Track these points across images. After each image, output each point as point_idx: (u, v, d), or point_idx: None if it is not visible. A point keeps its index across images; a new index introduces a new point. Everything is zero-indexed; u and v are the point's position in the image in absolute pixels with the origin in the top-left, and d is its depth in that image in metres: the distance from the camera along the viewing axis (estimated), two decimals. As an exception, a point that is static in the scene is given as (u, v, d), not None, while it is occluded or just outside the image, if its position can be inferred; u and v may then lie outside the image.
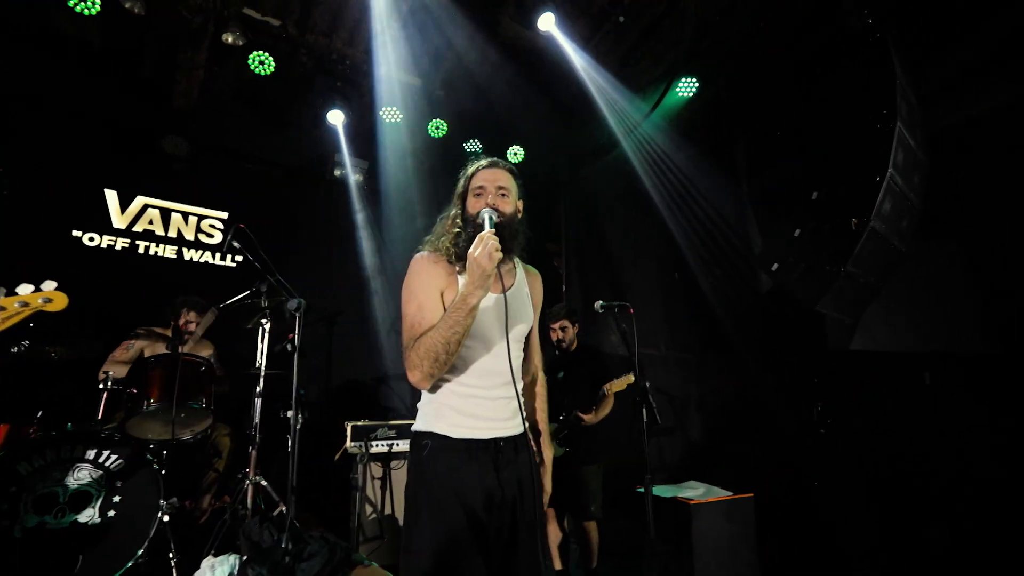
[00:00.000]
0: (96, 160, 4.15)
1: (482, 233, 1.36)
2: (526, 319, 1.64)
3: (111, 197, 4.23)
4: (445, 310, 1.42)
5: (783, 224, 3.63)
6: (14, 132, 3.68)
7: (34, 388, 2.98)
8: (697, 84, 4.64)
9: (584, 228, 6.10)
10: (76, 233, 4.05)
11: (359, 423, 4.20)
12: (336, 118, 4.59)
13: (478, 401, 1.50)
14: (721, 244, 4.43)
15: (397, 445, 4.32)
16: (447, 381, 1.51)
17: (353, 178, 5.10)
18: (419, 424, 1.56)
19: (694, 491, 3.72)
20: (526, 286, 1.70)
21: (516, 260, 1.70)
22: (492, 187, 1.57)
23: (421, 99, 5.07)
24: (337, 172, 5.07)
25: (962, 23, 3.45)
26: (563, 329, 3.48)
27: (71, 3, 3.49)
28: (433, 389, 1.52)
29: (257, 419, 3.10)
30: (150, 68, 4.20)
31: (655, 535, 3.61)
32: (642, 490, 3.83)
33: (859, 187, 3.03)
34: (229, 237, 3.18)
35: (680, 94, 4.71)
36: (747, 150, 4.46)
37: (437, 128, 5.13)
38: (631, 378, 2.96)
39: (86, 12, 3.56)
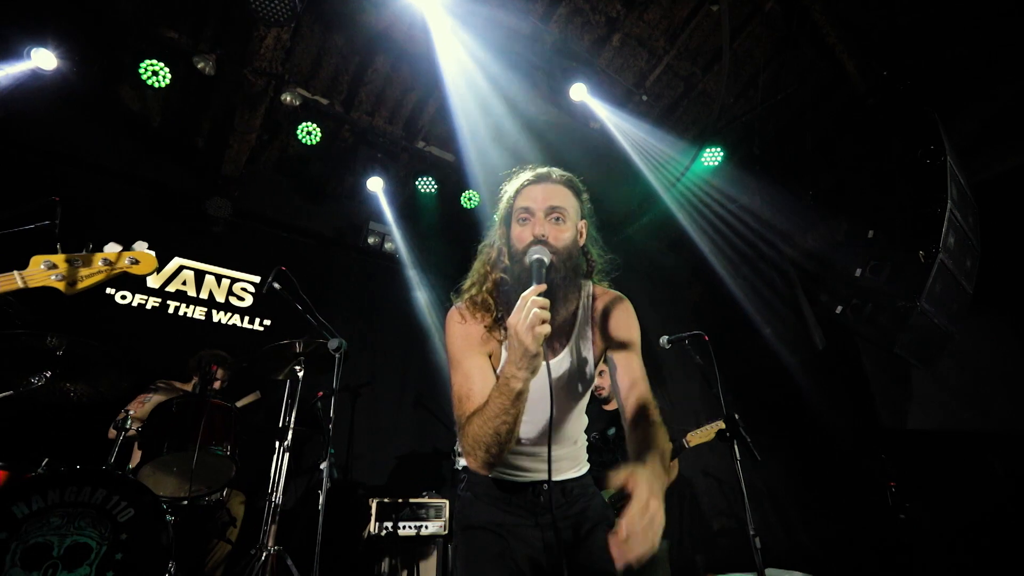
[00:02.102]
0: (140, 221, 4.23)
1: (525, 294, 1.02)
2: (584, 380, 1.33)
3: (149, 257, 4.22)
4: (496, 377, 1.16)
5: (838, 272, 3.53)
6: (62, 188, 3.79)
7: (42, 430, 2.69)
8: (723, 153, 4.81)
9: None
10: (109, 291, 3.98)
11: (385, 500, 3.77)
12: (376, 185, 4.74)
13: (519, 457, 1.32)
14: (771, 304, 4.27)
15: (426, 528, 3.84)
16: None
17: (387, 245, 5.14)
18: (462, 461, 1.42)
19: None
20: (590, 331, 1.34)
21: (583, 291, 1.37)
22: (542, 209, 1.23)
23: (455, 172, 5.28)
24: (371, 240, 5.12)
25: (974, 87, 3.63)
26: (601, 375, 3.15)
27: (143, 75, 3.77)
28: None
29: (283, 477, 2.74)
30: (204, 139, 4.45)
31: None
32: (717, 576, 3.32)
33: (918, 221, 2.96)
34: (270, 279, 3.09)
35: (706, 163, 4.88)
36: (784, 213, 4.49)
37: (470, 199, 5.27)
38: (720, 424, 2.51)
39: (156, 85, 3.83)
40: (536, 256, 1.12)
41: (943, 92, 3.64)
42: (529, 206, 1.24)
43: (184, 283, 4.33)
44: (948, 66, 3.64)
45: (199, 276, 4.42)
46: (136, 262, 1.41)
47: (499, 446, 1.09)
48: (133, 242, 4.23)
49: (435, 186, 5.10)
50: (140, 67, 3.70)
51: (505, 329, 1.22)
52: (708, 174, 4.83)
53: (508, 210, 1.31)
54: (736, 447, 2.18)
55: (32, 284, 1.31)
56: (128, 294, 4.05)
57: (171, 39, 3.70)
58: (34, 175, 3.78)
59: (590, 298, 1.36)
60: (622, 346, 1.32)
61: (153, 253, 1.44)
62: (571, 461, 1.36)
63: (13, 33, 3.19)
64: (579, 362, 1.30)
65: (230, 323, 4.44)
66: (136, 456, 2.72)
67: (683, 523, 4.56)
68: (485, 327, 1.27)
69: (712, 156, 4.84)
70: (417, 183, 5.06)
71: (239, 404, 3.08)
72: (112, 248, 1.41)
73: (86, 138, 4.07)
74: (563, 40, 4.23)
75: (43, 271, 1.31)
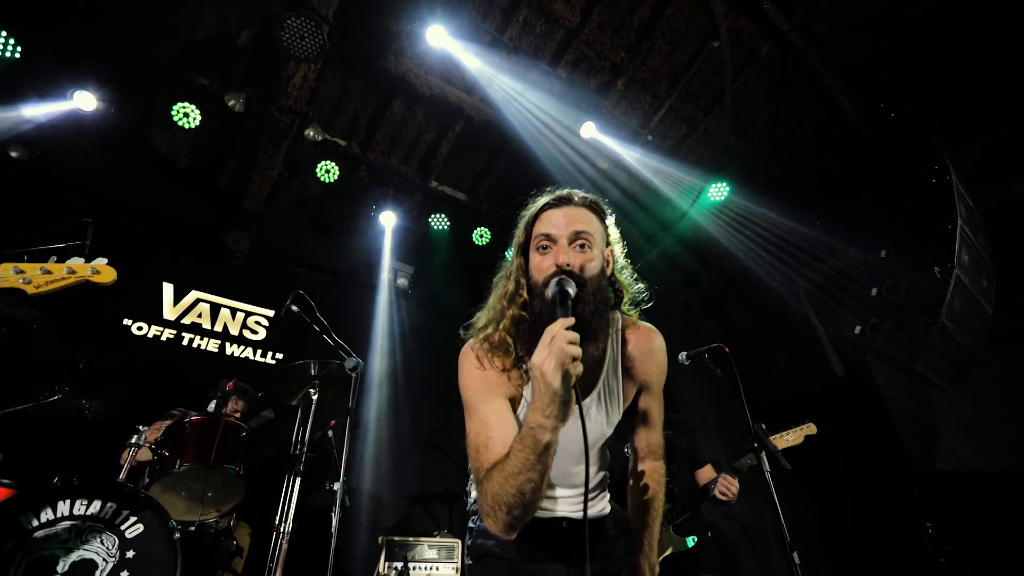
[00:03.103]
0: (162, 254, 4.33)
1: (551, 327, 0.90)
2: (610, 422, 1.22)
3: (167, 290, 4.30)
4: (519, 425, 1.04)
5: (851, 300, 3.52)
6: (94, 213, 3.92)
7: (55, 449, 2.64)
8: (729, 188, 4.93)
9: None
10: (126, 322, 4.02)
11: (395, 538, 3.61)
12: (388, 219, 4.86)
13: (544, 499, 1.20)
14: (786, 332, 4.23)
15: (438, 569, 3.65)
16: None
17: (399, 282, 5.20)
18: (474, 518, 1.25)
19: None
20: (619, 367, 1.23)
21: (613, 325, 1.24)
22: (565, 236, 1.10)
23: (467, 210, 5.42)
24: (384, 276, 5.19)
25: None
26: None
27: (175, 117, 4.00)
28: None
29: (294, 501, 2.64)
30: (227, 178, 4.63)
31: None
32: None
33: (931, 238, 2.99)
34: (288, 302, 3.11)
35: (712, 199, 4.99)
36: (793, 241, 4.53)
37: (481, 236, 5.37)
38: (810, 428, 2.35)
39: (187, 126, 4.05)
40: (559, 287, 0.99)
41: (942, 124, 3.78)
42: (551, 232, 1.11)
43: (200, 315, 4.37)
44: (943, 100, 3.79)
45: (214, 309, 4.46)
46: (97, 272, 1.52)
47: (523, 507, 0.95)
48: (156, 275, 4.33)
49: (447, 223, 5.22)
50: (173, 109, 3.93)
51: (527, 372, 1.09)
52: (716, 207, 4.93)
53: (526, 237, 1.17)
54: (764, 460, 2.10)
55: (2, 285, 1.42)
56: (144, 325, 4.08)
57: (203, 85, 3.95)
58: (67, 208, 3.91)
59: (619, 332, 1.23)
60: (649, 389, 1.26)
61: (112, 268, 1.55)
62: (593, 499, 1.24)
63: (59, 75, 3.41)
64: (608, 406, 1.19)
65: (243, 356, 4.43)
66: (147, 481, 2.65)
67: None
68: (503, 370, 1.13)
69: (718, 191, 4.96)
70: (430, 220, 5.19)
71: (253, 423, 3.03)
72: (75, 260, 1.53)
73: (117, 177, 4.25)
74: (570, 84, 4.46)
75: (11, 275, 1.43)
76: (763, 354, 4.35)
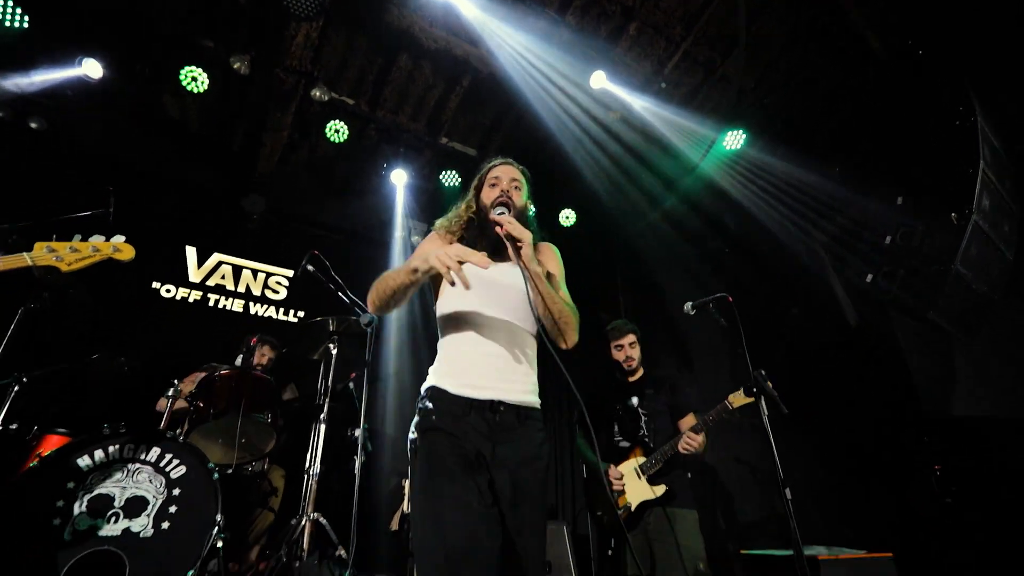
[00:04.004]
0: (181, 219, 4.47)
1: (453, 247, 1.35)
2: (522, 296, 1.56)
3: (191, 253, 4.47)
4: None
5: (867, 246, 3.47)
6: (115, 182, 4.06)
7: (100, 402, 2.88)
8: (745, 136, 4.79)
9: (642, 289, 5.98)
10: (155, 285, 4.22)
11: (416, 481, 3.86)
12: (399, 178, 4.89)
13: (472, 363, 1.51)
14: (800, 282, 4.21)
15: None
16: (451, 347, 1.58)
17: (413, 239, 5.28)
18: (426, 383, 1.57)
19: (813, 551, 3.12)
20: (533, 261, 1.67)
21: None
22: (506, 179, 1.72)
23: (476, 167, 5.40)
24: (397, 234, 5.27)
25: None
26: (631, 345, 3.09)
27: (183, 82, 4.02)
28: (440, 356, 1.60)
29: (320, 448, 2.85)
30: (238, 141, 4.68)
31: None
32: (750, 552, 3.28)
33: (950, 184, 2.91)
34: (304, 262, 3.23)
35: (728, 147, 4.87)
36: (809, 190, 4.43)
37: (492, 191, 5.36)
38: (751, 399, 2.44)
39: (195, 90, 4.08)
40: (499, 210, 1.53)
41: (973, 67, 3.57)
42: (499, 175, 1.73)
43: (223, 277, 4.54)
44: (976, 44, 3.56)
45: (236, 270, 4.63)
46: (119, 250, 1.67)
47: (381, 299, 1.51)
48: (179, 238, 4.49)
49: (458, 179, 5.22)
50: (181, 74, 3.95)
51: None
52: (730, 157, 4.82)
53: (480, 181, 1.78)
54: (763, 404, 2.18)
55: (38, 263, 1.57)
56: (172, 287, 4.28)
57: (207, 48, 3.94)
58: (88, 176, 4.04)
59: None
60: (549, 276, 1.65)
61: (131, 246, 1.70)
62: (521, 384, 1.51)
63: (67, 43, 3.45)
64: (523, 278, 1.52)
65: (266, 315, 4.63)
66: (186, 425, 2.89)
67: (716, 509, 4.50)
68: (448, 243, 1.64)
69: (734, 139, 4.83)
70: (441, 177, 5.20)
71: (287, 396, 3.22)
72: (97, 239, 1.66)
73: (132, 145, 4.34)
74: (579, 32, 4.31)
75: (45, 253, 1.57)
76: (776, 305, 4.35)
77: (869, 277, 3.15)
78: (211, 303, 4.41)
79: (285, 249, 4.90)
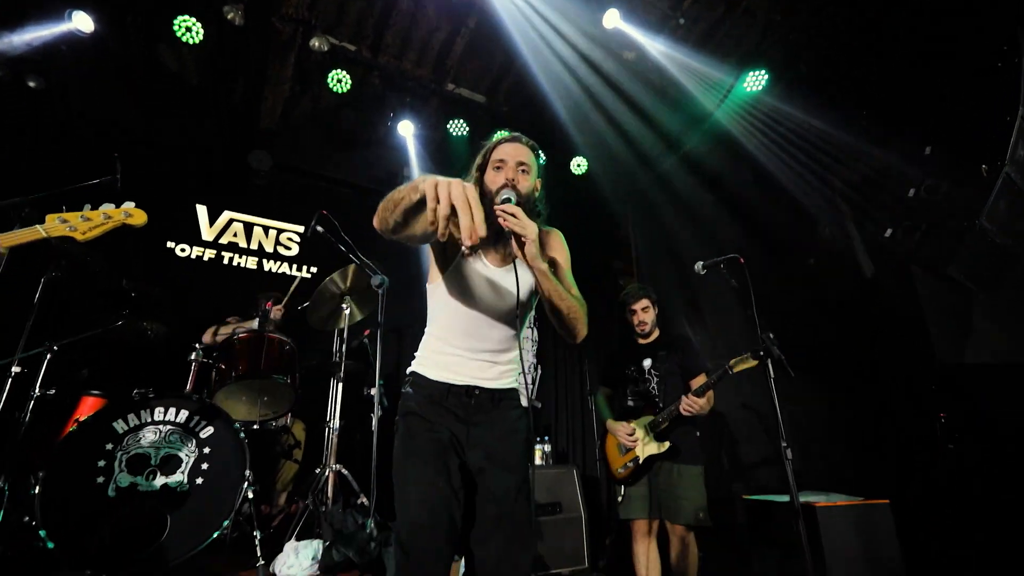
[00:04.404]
0: (189, 178, 4.45)
1: (467, 190, 1.18)
2: (519, 294, 1.50)
3: (201, 212, 4.49)
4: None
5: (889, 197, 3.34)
6: (121, 146, 4.03)
7: (129, 364, 3.03)
8: (768, 76, 4.52)
9: (655, 238, 5.90)
10: (170, 244, 4.27)
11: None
12: (406, 129, 4.76)
13: (459, 360, 1.51)
14: (816, 232, 4.10)
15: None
16: (437, 339, 1.56)
17: (421, 192, 5.21)
18: (411, 366, 1.60)
19: (813, 498, 3.25)
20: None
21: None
22: (513, 162, 1.52)
23: (486, 114, 5.22)
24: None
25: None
26: (644, 310, 3.12)
27: (177, 32, 3.87)
28: (425, 343, 1.60)
29: (339, 404, 2.98)
30: (239, 95, 4.55)
31: (764, 540, 3.15)
32: (753, 497, 3.43)
33: (983, 132, 2.74)
34: (313, 223, 3.23)
35: (749, 88, 4.61)
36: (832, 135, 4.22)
37: (501, 140, 5.21)
38: (759, 353, 2.46)
39: (191, 41, 3.93)
40: (504, 196, 1.40)
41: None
42: (504, 158, 1.53)
43: (235, 235, 4.58)
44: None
45: (248, 228, 4.66)
46: (130, 215, 1.67)
47: (387, 209, 1.33)
48: (189, 197, 4.50)
49: (467, 128, 5.07)
50: (174, 24, 3.80)
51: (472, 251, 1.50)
52: (751, 100, 4.58)
53: (485, 160, 1.59)
54: (770, 366, 2.21)
55: (52, 234, 1.56)
56: (186, 247, 4.34)
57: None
58: (84, 141, 4.00)
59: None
60: (555, 264, 1.58)
61: (142, 211, 1.67)
62: (501, 370, 1.54)
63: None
64: (519, 279, 1.47)
65: (280, 271, 4.70)
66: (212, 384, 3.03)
67: (722, 453, 4.66)
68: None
69: (756, 80, 4.56)
70: (448, 127, 5.04)
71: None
72: (108, 206, 1.65)
73: (134, 102, 4.25)
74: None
75: (58, 224, 1.56)
76: (791, 256, 4.28)
77: (888, 232, 3.06)
78: (225, 261, 4.47)
79: (294, 204, 4.89)
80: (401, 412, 1.49)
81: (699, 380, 2.92)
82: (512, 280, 1.46)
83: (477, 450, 1.42)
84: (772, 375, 2.20)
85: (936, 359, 4.11)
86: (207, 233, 4.47)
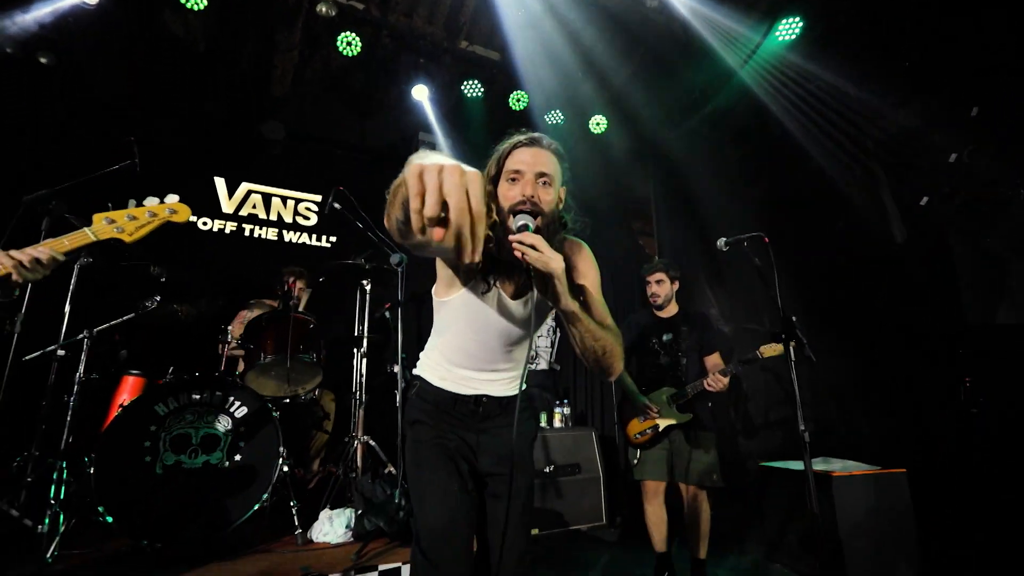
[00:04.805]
0: (205, 150, 4.44)
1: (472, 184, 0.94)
2: (539, 319, 1.41)
3: (220, 184, 4.51)
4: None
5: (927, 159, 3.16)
6: (124, 126, 4.04)
7: (164, 345, 3.18)
8: (802, 24, 4.20)
9: (676, 199, 5.74)
10: (192, 218, 4.32)
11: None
12: (421, 93, 4.63)
13: (466, 375, 1.45)
14: (847, 194, 3.93)
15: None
16: (443, 355, 1.48)
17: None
18: (417, 368, 1.56)
19: (828, 466, 3.31)
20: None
21: (556, 243, 1.42)
22: (531, 173, 1.28)
23: (501, 72, 5.01)
24: (421, 151, 5.11)
25: None
26: (658, 283, 3.16)
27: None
28: (431, 354, 1.52)
29: (363, 379, 3.09)
30: (248, 61, 4.45)
31: (779, 506, 3.25)
32: (768, 464, 3.51)
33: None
34: (330, 199, 3.23)
35: (781, 38, 4.30)
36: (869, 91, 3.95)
37: (518, 100, 5.04)
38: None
39: (195, 7, 3.83)
40: (522, 222, 1.19)
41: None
42: (521, 169, 1.29)
43: (254, 206, 4.61)
44: None
45: (266, 199, 4.68)
46: (175, 211, 1.62)
47: (390, 205, 1.03)
48: (207, 170, 4.51)
49: (481, 89, 4.90)
50: (176, -13, 3.68)
51: (485, 282, 1.36)
52: (783, 50, 4.28)
53: (498, 169, 1.35)
54: (791, 350, 2.20)
55: (100, 237, 1.52)
56: (208, 220, 4.40)
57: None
58: (99, 117, 3.99)
59: (560, 245, 1.41)
60: (581, 284, 1.41)
61: (186, 205, 1.64)
62: (511, 382, 1.48)
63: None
64: (539, 307, 1.35)
65: (300, 241, 4.75)
66: (241, 364, 3.16)
67: (737, 417, 4.72)
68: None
69: (788, 28, 4.25)
70: (463, 87, 4.88)
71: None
72: (151, 201, 1.62)
73: (143, 73, 4.19)
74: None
75: (106, 225, 1.52)
76: (819, 218, 4.14)
77: (924, 200, 2.91)
78: (246, 233, 4.53)
79: (311, 173, 4.88)
80: (408, 420, 1.46)
81: (714, 358, 3.01)
82: (530, 314, 1.34)
83: (487, 456, 1.41)
84: (793, 359, 2.19)
85: (966, 320, 4.01)
86: (227, 206, 4.51)
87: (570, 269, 1.35)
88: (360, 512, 2.58)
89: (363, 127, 5.14)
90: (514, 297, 1.38)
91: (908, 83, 3.18)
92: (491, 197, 1.33)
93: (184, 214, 1.65)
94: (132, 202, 1.62)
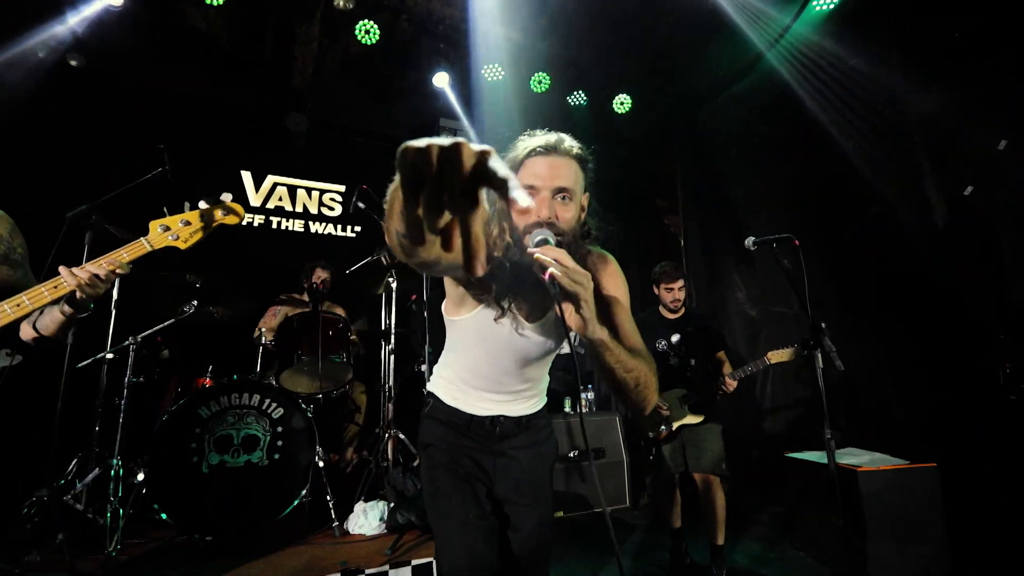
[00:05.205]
0: (231, 145, 4.50)
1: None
2: (558, 342, 1.32)
3: (246, 178, 4.59)
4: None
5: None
6: (164, 123, 4.11)
7: (202, 345, 3.33)
8: (837, -3, 3.94)
9: (702, 178, 5.58)
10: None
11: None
12: (442, 80, 4.56)
13: (481, 396, 1.36)
14: (880, 177, 3.76)
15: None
16: (457, 374, 1.38)
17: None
18: (430, 384, 1.48)
19: (856, 458, 3.29)
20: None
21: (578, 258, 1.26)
22: (548, 190, 1.12)
23: (522, 54, 4.88)
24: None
25: None
26: (680, 289, 3.18)
27: (200, -7, 3.75)
28: (443, 372, 1.43)
29: (392, 374, 3.18)
30: (269, 52, 4.44)
31: (805, 497, 3.28)
32: (791, 455, 3.51)
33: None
34: (354, 199, 3.26)
35: (818, 7, 4.05)
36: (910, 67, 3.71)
37: (540, 83, 4.92)
38: (798, 349, 2.71)
39: (214, 3, 3.82)
40: (540, 237, 1.04)
41: None
42: (535, 184, 1.13)
43: (280, 199, 4.69)
44: None
45: (291, 191, 4.75)
46: (228, 213, 1.57)
47: (388, 218, 0.92)
48: (234, 164, 4.57)
49: (502, 72, 4.79)
50: (196, -17, 3.67)
51: (499, 306, 1.24)
52: (815, 27, 4.04)
53: None
54: (819, 358, 2.17)
55: (157, 246, 1.52)
56: (237, 214, 4.50)
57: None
58: (122, 112, 4.06)
59: (582, 260, 1.26)
60: (608, 305, 1.26)
61: (239, 204, 1.60)
62: (529, 400, 1.41)
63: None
64: (558, 328, 1.27)
65: (326, 232, 4.82)
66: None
67: (762, 403, 4.68)
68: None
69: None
70: (483, 71, 4.78)
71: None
72: (204, 204, 1.60)
73: (169, 67, 4.23)
74: None
75: (161, 233, 1.51)
76: (851, 201, 3.99)
77: (969, 190, 2.77)
78: (274, 225, 4.62)
79: (334, 163, 4.91)
80: (422, 443, 1.40)
81: (720, 356, 3.14)
82: (549, 336, 1.26)
83: (504, 481, 1.34)
84: (821, 366, 2.16)
85: (1008, 305, 3.85)
86: (254, 199, 4.59)
87: (596, 287, 1.16)
88: (393, 505, 2.71)
89: (384, 114, 5.11)
90: (531, 320, 1.26)
91: (952, 64, 2.97)
92: (503, 215, 1.17)
93: (238, 215, 1.64)
94: (187, 204, 1.62)
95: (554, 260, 0.96)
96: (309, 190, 4.82)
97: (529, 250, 1.01)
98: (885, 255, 4.04)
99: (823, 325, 2.20)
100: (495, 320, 1.24)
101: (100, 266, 1.41)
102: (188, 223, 1.54)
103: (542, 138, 1.17)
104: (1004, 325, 3.92)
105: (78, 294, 1.38)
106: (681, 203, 6.01)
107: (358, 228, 4.94)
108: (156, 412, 2.98)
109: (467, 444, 1.34)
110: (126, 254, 1.48)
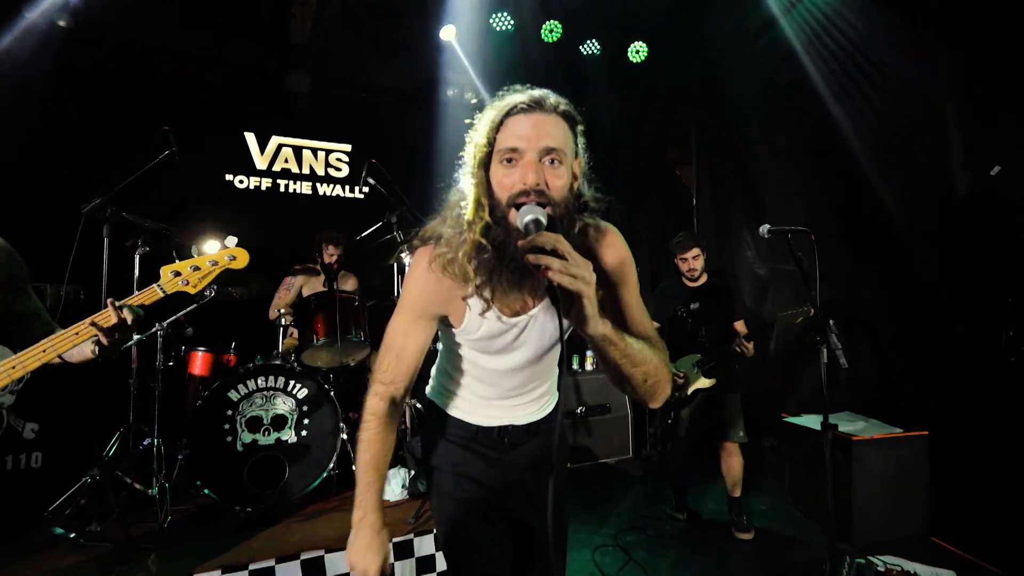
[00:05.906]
0: (233, 105, 4.37)
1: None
2: (561, 331, 1.04)
3: (251, 140, 4.49)
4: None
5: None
6: (163, 86, 3.98)
7: (225, 323, 3.46)
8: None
9: (719, 133, 5.39)
10: (228, 177, 4.39)
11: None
12: (449, 33, 4.32)
13: (485, 404, 1.26)
14: (906, 140, 3.63)
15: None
16: (455, 382, 1.27)
17: (466, 96, 4.89)
18: (429, 390, 1.37)
19: (852, 425, 3.45)
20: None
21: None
22: (534, 152, 0.95)
23: (532, 1, 4.57)
24: (450, 92, 4.88)
25: None
26: (695, 258, 3.23)
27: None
28: (440, 377, 1.32)
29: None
30: (267, 8, 4.18)
31: (797, 460, 3.49)
32: (789, 419, 3.68)
33: None
34: (364, 174, 3.23)
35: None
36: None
37: (551, 31, 4.64)
38: (810, 312, 2.77)
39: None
40: (530, 218, 0.88)
41: None
42: (518, 146, 0.95)
43: (286, 160, 4.61)
44: None
45: (297, 152, 4.65)
46: (234, 258, 1.61)
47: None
48: (237, 126, 4.46)
49: (511, 22, 4.51)
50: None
51: (475, 295, 1.07)
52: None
53: (488, 148, 0.99)
54: (824, 353, 2.22)
55: (169, 291, 1.57)
56: (244, 178, 4.45)
57: None
58: (119, 73, 3.91)
59: (577, 239, 1.08)
60: (612, 286, 1.11)
61: (244, 250, 1.64)
62: (536, 405, 1.30)
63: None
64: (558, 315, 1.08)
65: (334, 194, 4.78)
66: (292, 333, 3.42)
67: (766, 375, 4.77)
68: (450, 290, 1.09)
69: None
70: (491, 21, 4.50)
71: (350, 287, 3.61)
72: (212, 247, 1.63)
73: (161, 24, 4.02)
74: None
75: (172, 279, 1.56)
76: (873, 173, 3.88)
77: (996, 170, 2.69)
78: (281, 188, 4.58)
79: (338, 121, 4.78)
80: (428, 462, 1.34)
81: (739, 326, 3.22)
82: (542, 330, 1.13)
83: (513, 496, 1.27)
84: (825, 360, 2.22)
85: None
86: (260, 162, 4.52)
87: (597, 268, 0.96)
88: (413, 474, 2.92)
89: (388, 68, 4.88)
90: (517, 315, 1.10)
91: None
92: (483, 186, 1.01)
93: (243, 260, 1.68)
94: (194, 249, 1.69)
95: (552, 251, 0.79)
96: (315, 150, 4.73)
97: (520, 244, 0.86)
98: (900, 225, 3.98)
99: (831, 322, 2.24)
100: (479, 326, 1.11)
101: (113, 317, 1.40)
102: (197, 268, 1.59)
103: (524, 94, 0.99)
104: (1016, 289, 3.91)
105: (103, 340, 1.41)
106: (695, 157, 5.84)
107: (366, 189, 4.89)
108: (185, 387, 3.15)
109: (473, 459, 1.26)
110: (139, 299, 1.52)
